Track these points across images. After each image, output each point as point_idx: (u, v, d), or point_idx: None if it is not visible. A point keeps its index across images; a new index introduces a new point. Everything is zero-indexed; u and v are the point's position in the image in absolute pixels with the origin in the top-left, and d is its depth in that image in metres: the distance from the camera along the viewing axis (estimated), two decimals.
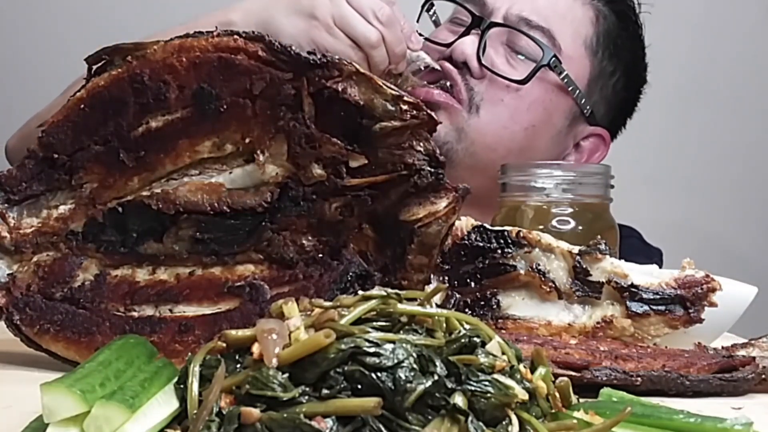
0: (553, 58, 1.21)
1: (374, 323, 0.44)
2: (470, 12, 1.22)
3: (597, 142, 1.31)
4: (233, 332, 0.45)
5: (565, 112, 1.27)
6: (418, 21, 1.31)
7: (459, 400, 0.41)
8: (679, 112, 2.00)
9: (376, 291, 0.46)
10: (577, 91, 1.24)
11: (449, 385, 0.42)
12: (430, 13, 1.31)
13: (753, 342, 0.70)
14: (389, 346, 0.42)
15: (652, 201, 1.94)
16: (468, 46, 1.20)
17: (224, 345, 0.45)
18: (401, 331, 0.45)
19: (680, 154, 2.00)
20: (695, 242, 1.92)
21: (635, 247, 1.33)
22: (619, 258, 0.77)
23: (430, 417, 0.41)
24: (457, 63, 1.20)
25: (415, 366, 0.42)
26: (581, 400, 0.51)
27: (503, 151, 1.21)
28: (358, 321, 0.44)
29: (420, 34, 1.28)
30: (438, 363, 0.42)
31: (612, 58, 1.30)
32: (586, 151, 1.31)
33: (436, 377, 0.42)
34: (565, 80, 1.22)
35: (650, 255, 1.33)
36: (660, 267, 0.76)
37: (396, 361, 0.42)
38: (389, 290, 0.46)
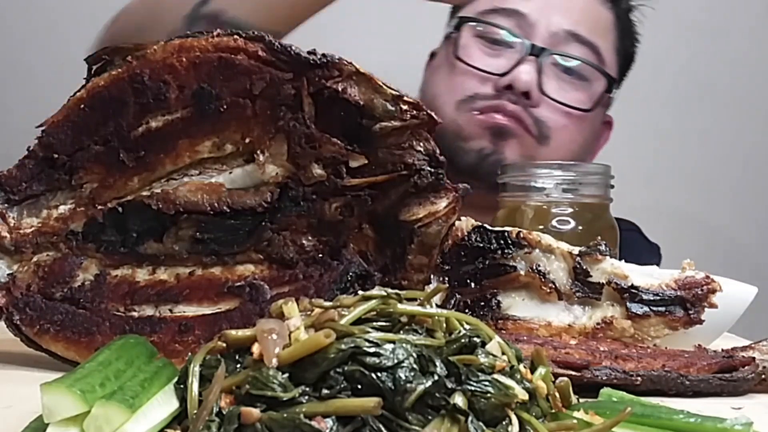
0: (609, 80, 1.22)
1: (374, 323, 0.44)
2: (520, 39, 1.19)
3: (605, 128, 1.34)
4: (233, 332, 0.45)
5: (604, 112, 1.30)
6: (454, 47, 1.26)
7: (459, 400, 0.41)
8: (679, 108, 2.00)
9: (376, 291, 0.46)
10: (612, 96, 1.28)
11: (449, 385, 0.42)
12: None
13: (753, 345, 0.70)
14: (389, 346, 0.42)
15: (654, 197, 1.95)
16: (526, 75, 1.18)
17: (224, 345, 0.45)
18: (401, 331, 0.45)
19: (680, 150, 2.00)
20: (696, 239, 1.92)
21: (636, 241, 1.34)
22: (620, 252, 0.77)
23: (430, 417, 0.41)
24: (517, 92, 1.18)
25: (415, 366, 0.42)
26: (581, 400, 0.51)
27: None
28: (359, 321, 0.44)
29: (464, 62, 1.22)
30: (438, 363, 0.42)
31: (625, 49, 1.32)
32: (601, 138, 1.34)
33: (436, 377, 0.42)
34: (612, 94, 1.25)
35: (651, 251, 1.35)
36: (659, 263, 0.76)
37: (396, 361, 0.42)
38: (389, 290, 0.46)
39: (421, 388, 0.41)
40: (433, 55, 1.35)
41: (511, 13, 1.21)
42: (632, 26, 1.34)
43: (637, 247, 1.22)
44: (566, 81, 1.21)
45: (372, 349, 0.42)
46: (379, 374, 0.41)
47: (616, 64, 1.28)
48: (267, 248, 0.64)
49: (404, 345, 0.42)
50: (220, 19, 1.12)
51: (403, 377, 0.41)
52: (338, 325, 0.43)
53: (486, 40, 1.23)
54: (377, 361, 0.41)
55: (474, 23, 1.24)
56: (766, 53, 2.01)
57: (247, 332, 0.45)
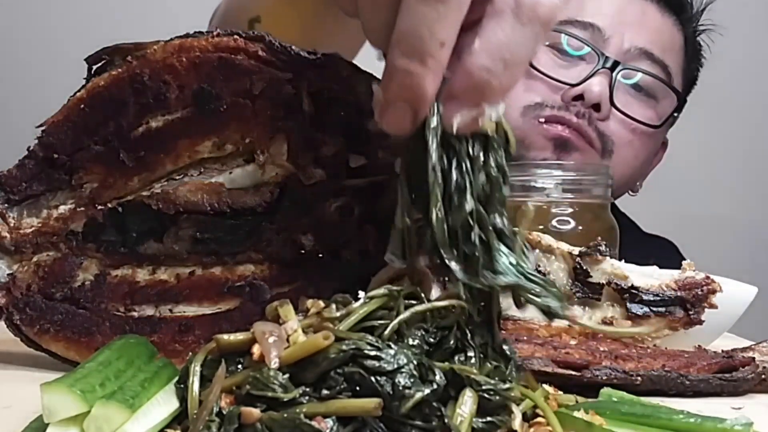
0: (678, 99, 1.22)
1: (378, 321, 0.45)
2: (595, 51, 1.18)
3: (661, 149, 1.35)
4: (225, 337, 0.45)
5: (665, 133, 1.30)
6: None
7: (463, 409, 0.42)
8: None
9: (381, 290, 0.46)
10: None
11: (450, 393, 0.42)
12: None
13: (753, 346, 0.70)
14: (391, 351, 0.42)
15: (654, 195, 1.95)
16: (598, 86, 1.16)
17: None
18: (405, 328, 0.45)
19: (678, 150, 2.00)
20: (697, 238, 1.92)
21: (674, 260, 1.35)
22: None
23: (427, 423, 0.41)
24: (587, 104, 1.17)
25: (414, 373, 0.42)
26: (581, 400, 0.51)
27: (621, 184, 1.23)
28: (365, 319, 0.45)
29: (536, 69, 1.19)
30: (437, 372, 0.42)
31: (691, 72, 1.32)
32: (655, 158, 1.34)
33: (434, 386, 0.42)
34: (677, 115, 1.25)
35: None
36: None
37: (396, 365, 0.41)
38: (391, 287, 0.46)
39: (419, 395, 0.41)
40: None
41: (586, 25, 1.20)
42: (699, 49, 1.34)
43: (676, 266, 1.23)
44: (635, 97, 1.21)
45: (373, 352, 0.42)
46: (378, 378, 0.41)
47: (681, 86, 1.28)
48: (267, 248, 0.64)
49: (405, 350, 0.42)
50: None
51: (402, 383, 0.41)
52: (336, 331, 0.43)
53: (558, 50, 1.22)
54: (377, 364, 0.41)
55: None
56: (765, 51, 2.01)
57: (239, 336, 0.45)
